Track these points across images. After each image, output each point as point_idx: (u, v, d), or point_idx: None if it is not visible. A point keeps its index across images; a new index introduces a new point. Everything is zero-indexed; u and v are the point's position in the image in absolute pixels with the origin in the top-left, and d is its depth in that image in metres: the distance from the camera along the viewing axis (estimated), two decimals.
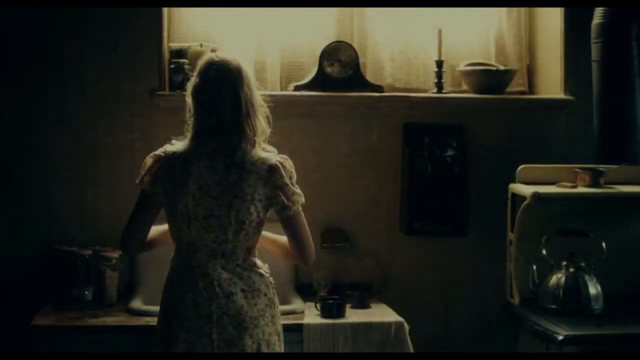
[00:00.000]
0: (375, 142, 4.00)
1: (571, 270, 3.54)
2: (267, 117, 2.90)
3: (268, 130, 2.90)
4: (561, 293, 3.52)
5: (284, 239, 2.94)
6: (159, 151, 2.88)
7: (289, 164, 2.87)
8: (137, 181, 2.88)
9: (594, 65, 3.87)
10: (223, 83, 2.82)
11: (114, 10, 3.73)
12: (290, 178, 2.84)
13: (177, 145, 2.88)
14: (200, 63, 2.89)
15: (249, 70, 2.88)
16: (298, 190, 2.85)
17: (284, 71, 4.10)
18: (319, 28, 4.08)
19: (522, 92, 4.23)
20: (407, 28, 4.12)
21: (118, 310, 3.48)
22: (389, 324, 3.38)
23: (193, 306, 2.79)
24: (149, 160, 2.88)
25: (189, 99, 2.88)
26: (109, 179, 3.81)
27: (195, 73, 2.89)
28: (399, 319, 3.42)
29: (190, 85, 2.89)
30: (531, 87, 4.27)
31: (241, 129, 2.82)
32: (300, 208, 2.86)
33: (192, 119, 2.87)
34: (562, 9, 4.02)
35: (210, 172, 2.81)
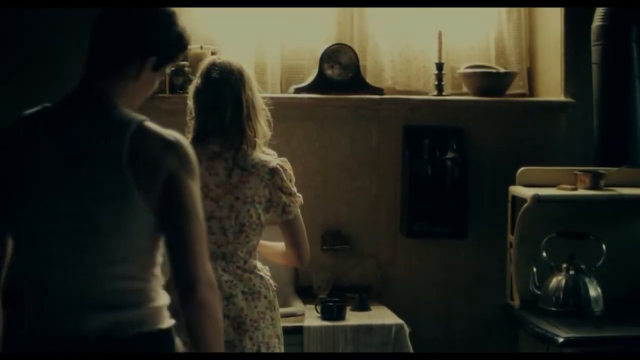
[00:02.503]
0: (375, 144, 4.00)
1: (571, 272, 3.53)
2: (268, 120, 2.90)
3: (269, 134, 2.90)
4: (561, 295, 3.51)
5: (279, 244, 2.96)
6: None
7: (288, 166, 2.89)
8: None
9: (594, 68, 3.86)
10: (225, 84, 2.82)
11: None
12: (290, 181, 2.86)
13: None
14: (202, 65, 2.90)
15: (250, 73, 2.89)
16: (297, 193, 2.87)
17: (284, 73, 4.09)
18: (319, 30, 4.08)
19: (522, 95, 4.23)
20: (407, 30, 4.11)
21: None
22: (390, 327, 3.38)
23: None
24: None
25: (190, 102, 2.89)
26: None
27: (197, 75, 2.90)
28: (399, 321, 3.42)
29: (192, 88, 2.90)
30: (531, 89, 4.26)
31: (242, 130, 2.82)
32: (299, 211, 2.88)
33: (192, 121, 2.88)
34: (562, 11, 4.02)
35: (211, 174, 2.81)
